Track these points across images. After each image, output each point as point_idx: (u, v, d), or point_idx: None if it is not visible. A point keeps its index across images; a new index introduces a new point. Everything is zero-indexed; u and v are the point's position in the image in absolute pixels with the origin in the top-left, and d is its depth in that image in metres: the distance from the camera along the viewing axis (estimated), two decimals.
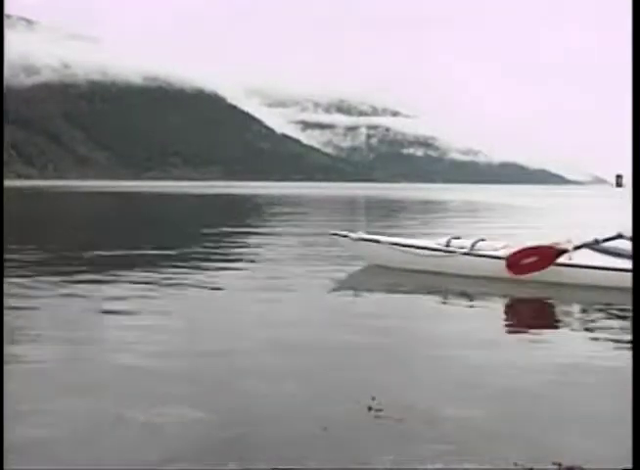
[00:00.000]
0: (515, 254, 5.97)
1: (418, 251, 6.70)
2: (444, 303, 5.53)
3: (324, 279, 6.45)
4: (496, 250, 6.25)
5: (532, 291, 5.74)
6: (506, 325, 4.82)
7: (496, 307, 5.36)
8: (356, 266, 7.26)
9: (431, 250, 6.62)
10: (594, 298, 5.43)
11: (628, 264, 5.04)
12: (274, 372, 3.33)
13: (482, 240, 6.52)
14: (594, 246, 5.95)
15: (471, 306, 5.38)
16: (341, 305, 5.43)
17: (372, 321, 4.64)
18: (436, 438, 2.45)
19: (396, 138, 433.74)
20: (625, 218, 4.81)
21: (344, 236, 7.42)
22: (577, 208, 28.68)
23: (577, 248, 5.92)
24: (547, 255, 5.81)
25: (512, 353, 3.84)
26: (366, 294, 5.96)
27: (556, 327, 4.74)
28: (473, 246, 6.36)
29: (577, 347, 4.07)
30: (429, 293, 5.87)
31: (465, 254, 6.32)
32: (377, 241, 7.18)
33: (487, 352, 3.84)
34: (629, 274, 4.57)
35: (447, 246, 6.56)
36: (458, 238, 6.73)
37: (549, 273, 5.85)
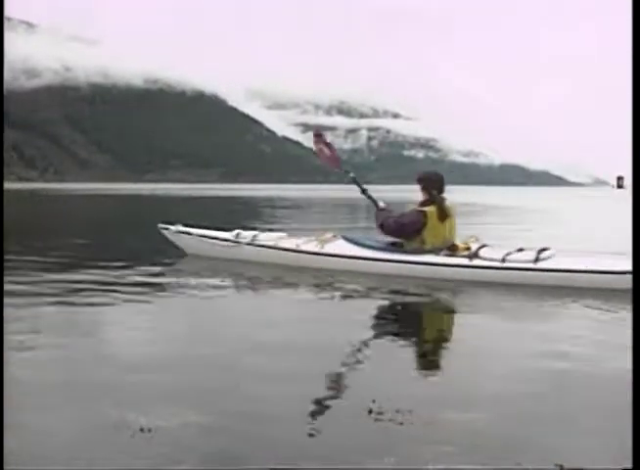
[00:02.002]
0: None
1: (215, 241, 7.55)
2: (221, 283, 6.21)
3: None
4: (273, 240, 7.19)
5: (299, 274, 6.45)
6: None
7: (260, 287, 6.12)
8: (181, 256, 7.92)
9: (223, 240, 7.47)
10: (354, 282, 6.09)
11: (373, 254, 6.38)
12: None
13: (264, 232, 7.53)
14: (347, 237, 6.82)
15: (254, 291, 6.09)
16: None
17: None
18: (438, 439, 2.46)
19: (397, 140, 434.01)
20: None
21: (166, 229, 8.10)
22: (588, 210, 28.54)
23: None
24: None
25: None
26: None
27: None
28: (254, 237, 7.24)
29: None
30: (216, 276, 6.59)
31: (247, 244, 7.22)
32: (189, 233, 7.89)
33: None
34: (370, 261, 6.27)
35: (236, 237, 7.37)
36: (253, 229, 7.69)
37: (303, 260, 6.77)
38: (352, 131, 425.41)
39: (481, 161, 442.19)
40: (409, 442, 2.47)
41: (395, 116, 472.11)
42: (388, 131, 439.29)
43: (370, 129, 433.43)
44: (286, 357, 3.69)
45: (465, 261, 6.10)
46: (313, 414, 2.76)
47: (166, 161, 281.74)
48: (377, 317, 5.06)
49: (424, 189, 6.51)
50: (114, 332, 4.36)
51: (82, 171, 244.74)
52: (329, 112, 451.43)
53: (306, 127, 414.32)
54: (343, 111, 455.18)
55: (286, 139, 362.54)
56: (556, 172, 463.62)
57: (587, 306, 5.18)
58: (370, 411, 2.73)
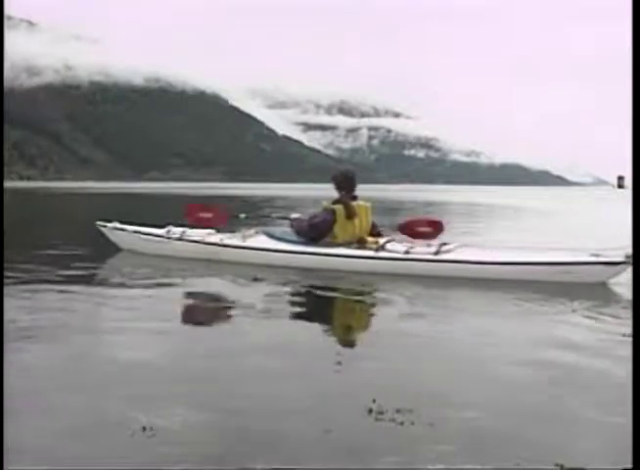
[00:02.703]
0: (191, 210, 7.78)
1: (147, 237, 7.88)
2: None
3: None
4: (200, 236, 7.52)
5: (218, 267, 6.89)
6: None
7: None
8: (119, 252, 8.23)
9: (155, 236, 7.79)
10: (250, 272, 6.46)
11: (289, 247, 6.83)
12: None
13: (193, 229, 7.76)
14: (267, 231, 7.25)
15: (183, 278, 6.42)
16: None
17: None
18: (438, 439, 2.47)
19: (398, 139, 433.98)
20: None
21: (104, 226, 8.41)
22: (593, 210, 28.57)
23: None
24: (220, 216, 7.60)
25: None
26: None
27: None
28: (183, 233, 7.58)
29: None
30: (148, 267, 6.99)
31: (177, 239, 7.56)
32: (124, 230, 8.20)
33: None
34: (287, 255, 6.72)
35: (167, 233, 7.70)
36: (181, 227, 7.88)
37: (222, 253, 7.19)
38: (353, 130, 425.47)
39: (482, 160, 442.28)
40: (410, 441, 2.48)
41: (396, 115, 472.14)
42: (389, 130, 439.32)
43: (371, 128, 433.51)
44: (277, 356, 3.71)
45: (371, 254, 6.54)
46: (313, 414, 2.78)
47: (167, 159, 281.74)
48: (306, 309, 5.28)
49: (337, 188, 7.03)
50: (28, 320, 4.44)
51: (83, 170, 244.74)
52: (329, 111, 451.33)
53: (307, 126, 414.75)
54: (344, 110, 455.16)
55: (286, 138, 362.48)
56: (556, 172, 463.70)
57: (490, 297, 5.56)
58: (370, 411, 2.75)
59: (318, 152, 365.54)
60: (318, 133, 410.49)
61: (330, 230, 6.79)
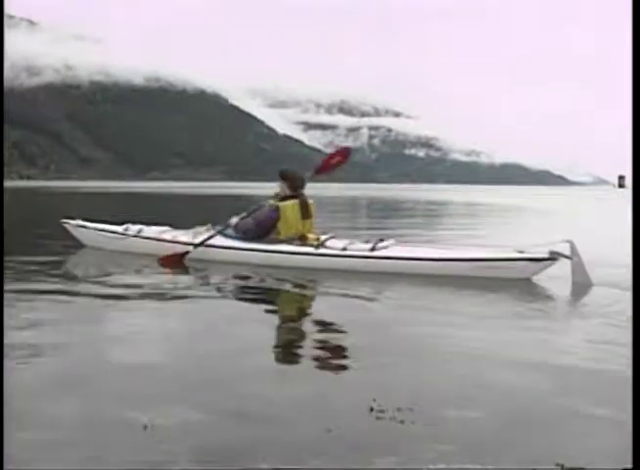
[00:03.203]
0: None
1: (106, 234, 8.12)
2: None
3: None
4: (156, 233, 7.74)
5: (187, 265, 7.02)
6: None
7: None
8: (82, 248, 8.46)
9: (113, 233, 8.05)
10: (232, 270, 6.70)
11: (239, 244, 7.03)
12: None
13: (150, 226, 8.03)
14: (224, 231, 7.30)
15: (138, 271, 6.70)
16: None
17: None
18: (439, 438, 2.48)
19: (398, 139, 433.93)
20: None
21: (67, 223, 8.66)
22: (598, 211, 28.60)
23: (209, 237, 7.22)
24: (175, 259, 7.15)
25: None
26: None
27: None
28: (139, 230, 7.83)
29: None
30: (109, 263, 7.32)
31: (133, 236, 7.82)
32: (86, 227, 8.45)
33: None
34: (243, 252, 6.89)
35: (125, 230, 7.94)
36: (137, 223, 8.14)
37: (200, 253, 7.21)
38: (353, 130, 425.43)
39: (483, 159, 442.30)
40: (410, 440, 2.48)
41: (397, 114, 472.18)
42: (390, 130, 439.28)
43: (371, 128, 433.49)
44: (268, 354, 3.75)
45: (311, 250, 6.73)
46: (314, 413, 2.79)
47: (167, 159, 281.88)
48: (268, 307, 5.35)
49: (289, 186, 7.22)
50: None
51: (83, 169, 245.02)
52: (330, 110, 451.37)
53: (307, 126, 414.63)
54: (345, 109, 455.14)
55: (287, 137, 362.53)
56: (557, 172, 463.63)
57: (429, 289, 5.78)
58: (371, 409, 2.76)
59: (319, 151, 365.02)
60: (318, 132, 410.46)
61: (274, 227, 6.99)
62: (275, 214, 6.95)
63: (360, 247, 6.63)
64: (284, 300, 5.66)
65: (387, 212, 25.57)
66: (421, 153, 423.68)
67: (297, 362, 3.61)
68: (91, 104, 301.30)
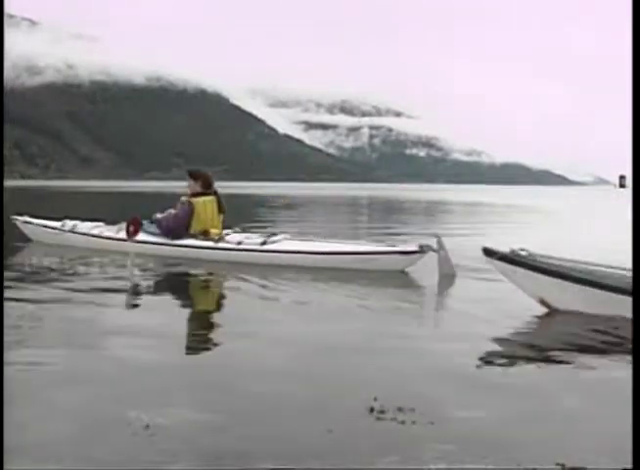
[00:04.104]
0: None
1: (46, 229, 8.59)
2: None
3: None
4: (88, 229, 8.24)
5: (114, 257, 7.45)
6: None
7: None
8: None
9: (53, 229, 8.51)
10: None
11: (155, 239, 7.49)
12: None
13: (84, 222, 8.49)
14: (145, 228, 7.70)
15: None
16: None
17: None
18: (439, 438, 2.47)
19: (399, 138, 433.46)
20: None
21: (17, 219, 9.16)
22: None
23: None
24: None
25: None
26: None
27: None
28: (74, 226, 8.32)
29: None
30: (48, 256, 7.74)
31: (68, 231, 8.29)
32: (31, 222, 8.94)
33: None
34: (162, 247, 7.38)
35: (62, 226, 8.44)
36: (75, 220, 8.63)
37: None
38: (354, 129, 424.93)
39: (483, 159, 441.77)
40: (411, 440, 2.48)
41: (397, 114, 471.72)
42: (390, 130, 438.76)
43: (372, 128, 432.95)
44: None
45: (211, 244, 7.22)
46: (315, 413, 2.77)
47: (168, 158, 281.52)
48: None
49: (201, 185, 7.76)
50: None
51: (84, 169, 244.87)
52: (331, 110, 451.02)
53: (308, 125, 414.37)
54: (345, 109, 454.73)
55: (287, 137, 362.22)
56: (557, 171, 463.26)
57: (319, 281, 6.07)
58: (372, 410, 2.75)
59: (319, 151, 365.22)
60: (319, 132, 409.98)
61: (190, 221, 7.50)
62: (189, 209, 7.47)
63: (252, 241, 7.17)
64: (195, 292, 6.15)
65: (387, 212, 25.58)
66: (422, 153, 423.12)
67: (295, 362, 3.57)
68: (92, 103, 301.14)
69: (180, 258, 7.21)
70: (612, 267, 4.53)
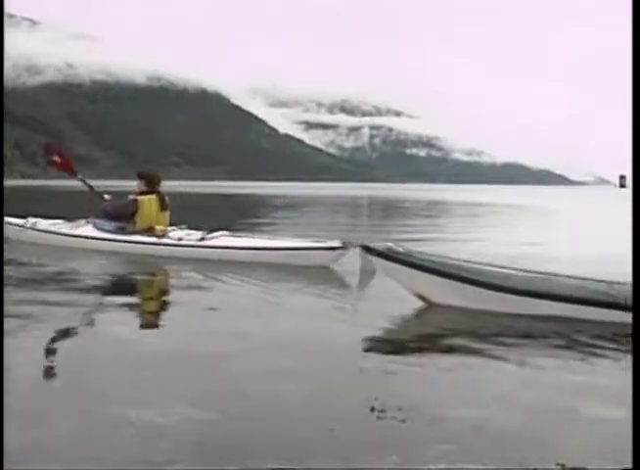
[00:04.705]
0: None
1: (12, 227, 8.84)
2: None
3: None
4: (46, 226, 8.56)
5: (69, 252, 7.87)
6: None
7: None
8: None
9: (16, 225, 8.80)
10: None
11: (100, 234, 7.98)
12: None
13: (46, 220, 8.83)
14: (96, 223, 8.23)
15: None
16: None
17: None
18: (440, 438, 2.47)
19: (399, 138, 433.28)
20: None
21: None
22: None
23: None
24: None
25: None
26: None
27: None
28: (34, 223, 8.65)
29: None
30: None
31: (29, 228, 8.60)
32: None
33: None
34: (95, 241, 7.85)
35: (25, 223, 8.74)
36: (36, 217, 8.95)
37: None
38: (355, 129, 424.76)
39: (484, 159, 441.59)
40: (411, 440, 2.48)
41: (398, 114, 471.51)
42: (391, 129, 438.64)
43: (372, 127, 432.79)
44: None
45: (154, 240, 7.62)
46: (315, 412, 2.78)
47: (169, 158, 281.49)
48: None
49: (146, 183, 8.22)
50: None
51: (84, 168, 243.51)
52: (331, 110, 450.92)
53: (309, 125, 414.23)
54: (346, 109, 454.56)
55: (288, 137, 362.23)
56: (558, 171, 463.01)
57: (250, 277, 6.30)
58: (372, 409, 2.75)
59: (320, 150, 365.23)
60: (320, 132, 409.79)
61: (132, 217, 7.90)
62: (133, 205, 7.94)
63: (192, 237, 7.55)
64: (141, 287, 6.44)
65: (387, 212, 25.58)
66: (422, 152, 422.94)
67: (296, 361, 3.57)
68: (92, 103, 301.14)
69: (126, 253, 7.59)
70: (498, 267, 4.77)
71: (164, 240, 7.60)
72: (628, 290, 4.03)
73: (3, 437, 2.38)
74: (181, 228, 7.92)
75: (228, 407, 2.78)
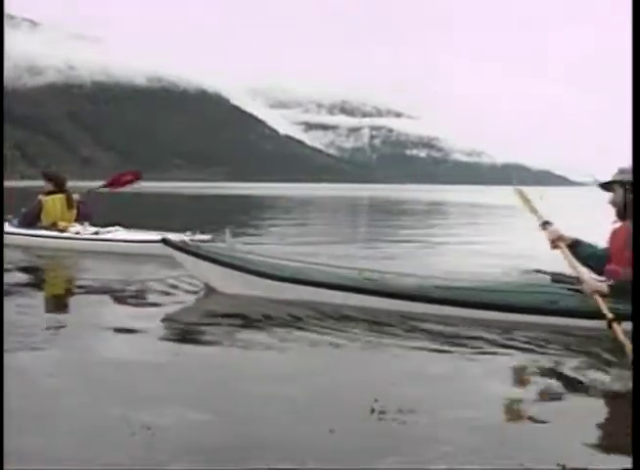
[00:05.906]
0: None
1: None
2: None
3: None
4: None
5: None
6: None
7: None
8: None
9: None
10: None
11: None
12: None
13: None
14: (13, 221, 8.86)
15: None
16: None
17: None
18: (440, 439, 2.48)
19: (399, 139, 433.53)
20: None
21: None
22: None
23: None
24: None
25: None
26: None
27: None
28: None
29: None
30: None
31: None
32: None
33: None
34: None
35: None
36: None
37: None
38: (355, 130, 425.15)
39: (484, 160, 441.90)
40: (412, 441, 2.49)
41: (398, 115, 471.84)
42: (391, 130, 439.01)
43: (372, 128, 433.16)
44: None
45: (55, 234, 8.34)
46: (315, 414, 2.79)
47: (169, 159, 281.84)
48: None
49: (53, 184, 8.83)
50: None
51: (85, 169, 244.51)
52: (331, 111, 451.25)
53: (309, 126, 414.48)
54: (346, 110, 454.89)
55: (288, 138, 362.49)
56: (558, 172, 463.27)
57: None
58: (373, 411, 2.76)
59: (320, 151, 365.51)
60: (320, 133, 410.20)
61: (38, 216, 8.67)
62: (37, 206, 8.70)
63: (87, 231, 8.29)
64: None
65: (386, 213, 25.59)
66: (422, 153, 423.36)
67: (296, 362, 3.59)
68: (93, 104, 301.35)
69: (31, 246, 8.29)
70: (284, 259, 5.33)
71: (64, 234, 8.34)
72: (387, 278, 4.75)
73: (3, 437, 2.38)
74: (81, 224, 8.53)
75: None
